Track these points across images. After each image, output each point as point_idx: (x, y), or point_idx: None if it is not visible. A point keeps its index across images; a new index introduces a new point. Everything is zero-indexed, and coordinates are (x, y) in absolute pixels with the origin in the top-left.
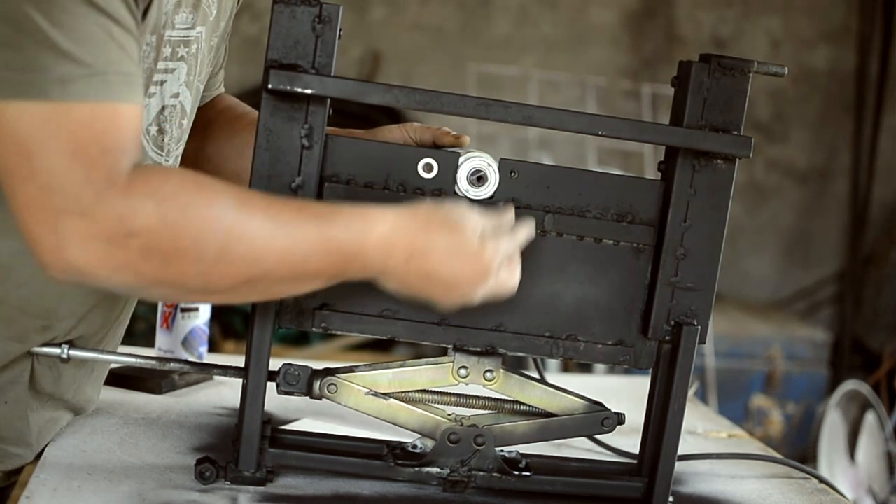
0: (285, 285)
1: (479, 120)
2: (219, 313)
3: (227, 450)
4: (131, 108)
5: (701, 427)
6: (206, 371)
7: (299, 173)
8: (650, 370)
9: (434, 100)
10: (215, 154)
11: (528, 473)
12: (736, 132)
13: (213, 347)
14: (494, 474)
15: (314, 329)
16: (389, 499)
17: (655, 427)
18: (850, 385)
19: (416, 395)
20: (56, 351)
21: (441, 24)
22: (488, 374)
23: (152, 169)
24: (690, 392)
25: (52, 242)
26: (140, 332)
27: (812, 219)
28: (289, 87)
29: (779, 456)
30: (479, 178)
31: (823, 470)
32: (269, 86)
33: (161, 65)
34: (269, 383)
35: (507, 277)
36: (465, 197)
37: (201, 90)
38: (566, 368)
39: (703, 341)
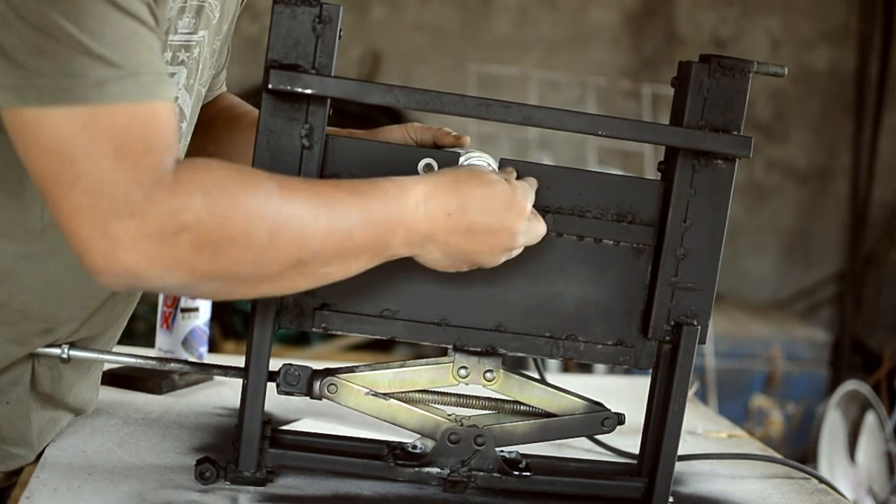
0: (332, 266)
1: (479, 120)
2: (219, 313)
3: (227, 450)
4: (166, 105)
5: (701, 427)
6: (206, 371)
7: (299, 173)
8: (650, 370)
9: (434, 100)
10: (217, 153)
11: (528, 473)
12: (736, 132)
13: (213, 347)
14: (494, 474)
15: (314, 329)
16: (389, 499)
17: (655, 427)
18: (850, 385)
19: (416, 395)
20: (56, 351)
21: (441, 24)
22: (488, 375)
23: (195, 162)
24: (690, 392)
25: (104, 247)
26: (140, 332)
27: (812, 219)
28: (289, 87)
29: (779, 456)
30: None
31: (823, 470)
32: (270, 86)
33: None
34: (269, 383)
35: (536, 223)
36: None
37: (203, 93)
38: (566, 368)
39: (703, 341)
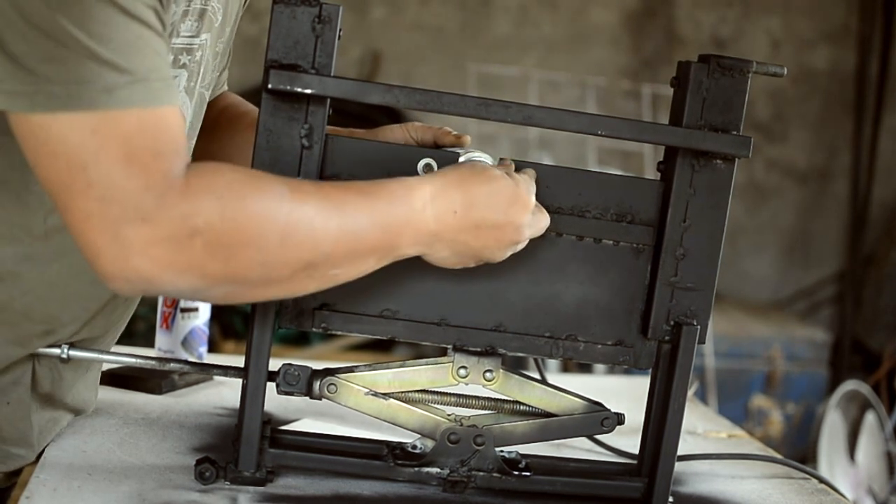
0: (342, 268)
1: (479, 120)
2: (218, 313)
3: (227, 450)
4: (175, 110)
5: (701, 427)
6: (206, 371)
7: (299, 173)
8: (650, 370)
9: (434, 100)
10: (217, 152)
11: (527, 473)
12: (735, 132)
13: (212, 347)
14: (494, 474)
15: (314, 329)
16: (389, 499)
17: (655, 427)
18: (850, 385)
19: (416, 395)
20: (56, 351)
21: (441, 24)
22: (488, 374)
23: (205, 166)
24: (690, 392)
25: (116, 252)
26: (140, 332)
27: (812, 219)
28: (289, 87)
29: (779, 456)
30: None
31: (823, 470)
32: (269, 86)
33: None
34: (269, 383)
35: (539, 216)
36: None
37: (206, 96)
38: (566, 368)
39: (702, 341)
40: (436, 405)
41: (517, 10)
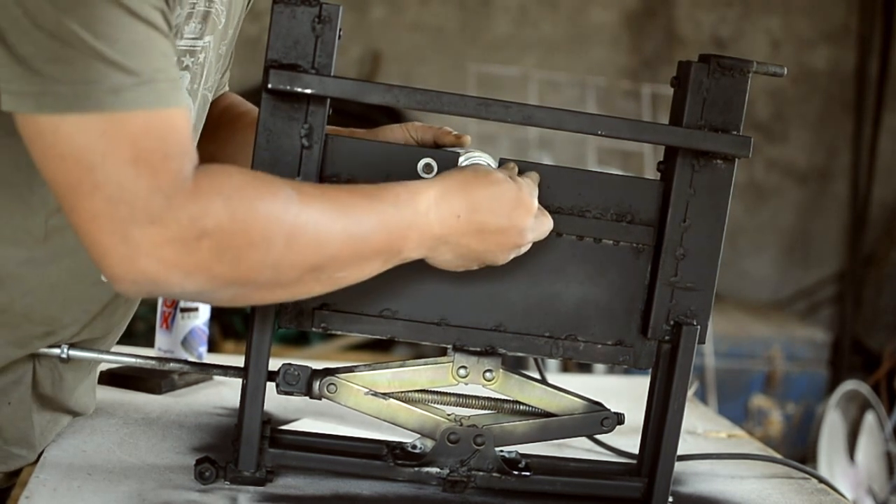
0: (347, 271)
1: (479, 120)
2: (218, 313)
3: (227, 450)
4: (181, 111)
5: (701, 427)
6: (206, 371)
7: (299, 173)
8: (650, 370)
9: (434, 100)
10: (217, 152)
11: (527, 473)
12: (735, 132)
13: (212, 347)
14: (494, 474)
15: (314, 329)
16: (389, 499)
17: (655, 427)
18: (849, 385)
19: (416, 395)
20: (56, 351)
21: (441, 24)
22: (488, 374)
23: (213, 168)
24: (690, 392)
25: (124, 253)
26: (140, 332)
27: (812, 219)
28: (289, 87)
29: (778, 456)
30: None
31: (823, 470)
32: (269, 86)
33: None
34: (268, 383)
35: (543, 219)
36: None
37: (209, 98)
38: (566, 368)
39: (702, 341)
40: (436, 405)
41: (517, 10)
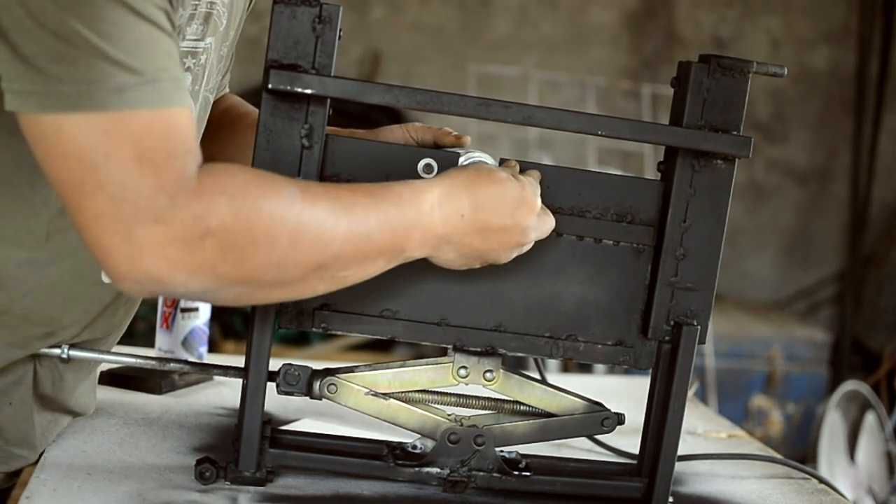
0: (351, 270)
1: (479, 120)
2: (219, 313)
3: (227, 450)
4: (185, 111)
5: (701, 427)
6: (206, 371)
7: (299, 173)
8: (650, 370)
9: (434, 100)
10: (218, 154)
11: (528, 473)
12: (735, 132)
13: (213, 347)
14: (494, 474)
15: (314, 329)
16: (389, 499)
17: (655, 427)
18: (850, 385)
19: (416, 395)
20: (56, 351)
21: (441, 24)
22: (488, 375)
23: (216, 167)
24: (690, 392)
25: (127, 253)
26: (140, 332)
27: (812, 219)
28: (289, 87)
29: (779, 456)
30: None
31: (823, 470)
32: (269, 86)
33: None
34: (269, 383)
35: (545, 218)
36: None
37: (211, 99)
38: (566, 368)
39: (702, 341)
40: (436, 405)
41: (517, 10)
